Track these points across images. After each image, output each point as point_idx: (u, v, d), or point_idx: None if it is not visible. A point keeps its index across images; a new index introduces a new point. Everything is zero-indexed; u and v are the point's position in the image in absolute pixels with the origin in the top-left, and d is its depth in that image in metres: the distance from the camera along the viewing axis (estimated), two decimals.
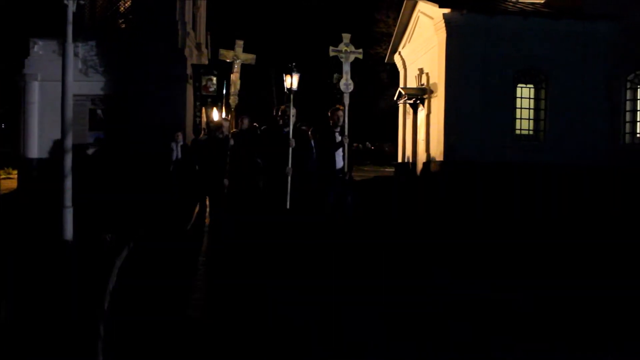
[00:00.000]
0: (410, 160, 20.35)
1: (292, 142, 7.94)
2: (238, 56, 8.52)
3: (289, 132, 8.04)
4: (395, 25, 22.90)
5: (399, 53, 22.28)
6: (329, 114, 8.19)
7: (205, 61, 18.09)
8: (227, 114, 11.27)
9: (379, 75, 33.83)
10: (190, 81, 14.28)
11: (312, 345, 4.33)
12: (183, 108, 14.36)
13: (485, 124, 16.74)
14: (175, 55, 14.90)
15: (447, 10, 16.68)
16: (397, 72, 23.27)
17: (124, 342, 4.28)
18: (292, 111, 8.06)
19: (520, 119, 17.40)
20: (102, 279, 5.47)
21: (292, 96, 8.36)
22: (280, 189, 7.93)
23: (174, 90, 14.45)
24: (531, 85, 17.48)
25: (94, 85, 15.03)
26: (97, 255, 6.48)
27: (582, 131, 17.00)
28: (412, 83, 20.85)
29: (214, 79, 8.65)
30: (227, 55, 8.51)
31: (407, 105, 20.46)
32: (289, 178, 7.91)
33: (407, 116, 21.13)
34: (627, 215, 11.52)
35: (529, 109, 17.48)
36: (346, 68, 8.49)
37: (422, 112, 19.28)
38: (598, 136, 17.18)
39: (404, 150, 21.59)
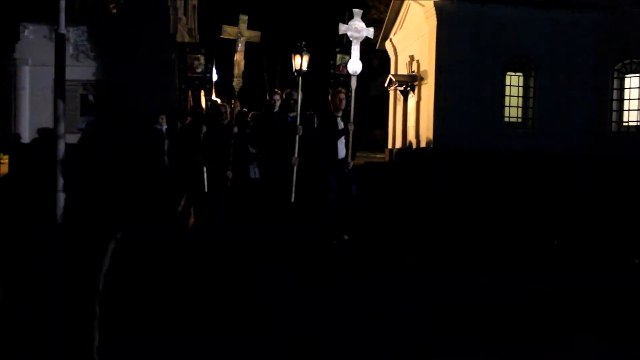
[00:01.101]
0: (401, 147, 20.50)
1: (300, 130, 7.35)
2: (242, 33, 7.83)
3: (295, 118, 7.50)
4: (387, 12, 22.93)
5: (390, 40, 22.34)
6: (330, 97, 7.54)
7: None
8: (228, 98, 10.65)
9: (371, 62, 33.84)
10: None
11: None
12: (174, 94, 14.45)
13: (475, 111, 16.91)
14: (167, 40, 14.95)
15: None
16: (388, 59, 23.34)
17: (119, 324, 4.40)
18: (300, 95, 7.49)
19: (509, 106, 17.59)
20: (96, 261, 5.56)
21: (300, 78, 7.61)
22: (280, 180, 7.40)
23: (166, 75, 14.52)
24: (520, 74, 17.64)
25: (85, 70, 15.05)
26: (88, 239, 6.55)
27: (570, 119, 17.22)
28: (402, 70, 20.95)
29: (202, 58, 7.86)
30: (230, 32, 7.79)
31: (398, 92, 20.57)
32: (295, 169, 7.35)
33: (397, 103, 21.24)
34: (609, 201, 11.73)
35: (518, 96, 17.66)
36: (355, 47, 7.64)
37: (412, 99, 19.41)
38: (586, 124, 17.40)
39: (394, 137, 21.72)
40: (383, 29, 22.83)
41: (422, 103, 18.36)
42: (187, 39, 16.95)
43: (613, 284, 5.87)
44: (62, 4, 7.47)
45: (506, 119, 17.54)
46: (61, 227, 6.85)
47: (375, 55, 30.43)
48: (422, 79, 18.40)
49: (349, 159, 7.34)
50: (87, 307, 4.25)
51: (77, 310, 4.25)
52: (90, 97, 15.30)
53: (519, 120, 17.73)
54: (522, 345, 4.31)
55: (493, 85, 17.17)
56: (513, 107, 17.62)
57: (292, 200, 7.34)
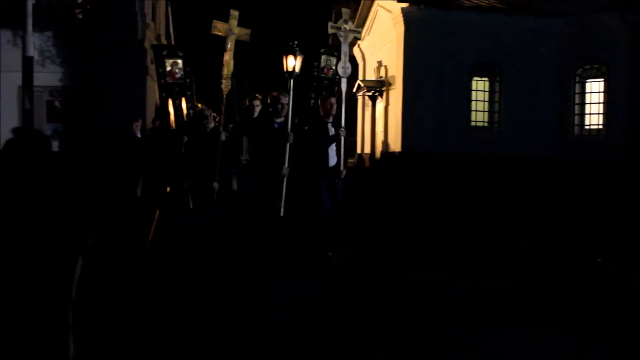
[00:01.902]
0: (369, 152, 20.67)
1: (291, 138, 6.74)
2: (232, 30, 7.21)
3: (283, 124, 6.87)
4: (354, 18, 23.11)
5: (358, 45, 22.51)
6: (319, 102, 7.18)
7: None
8: (212, 105, 9.68)
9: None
10: (152, 66, 14.11)
11: None
12: (143, 101, 14.30)
13: (442, 115, 17.19)
14: (135, 46, 14.80)
15: (405, 5, 16.99)
16: (357, 64, 23.52)
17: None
18: (290, 99, 6.86)
19: (476, 111, 17.93)
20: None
21: (291, 81, 6.96)
22: (268, 192, 6.74)
23: (134, 82, 14.36)
24: (486, 79, 18.00)
25: (51, 76, 14.77)
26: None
27: (534, 123, 17.62)
28: (371, 75, 21.13)
29: (180, 62, 7.30)
30: (220, 28, 7.15)
31: (366, 97, 20.75)
32: (285, 180, 6.74)
33: (366, 108, 21.42)
34: (571, 202, 12.03)
35: (484, 101, 18.00)
36: (344, 48, 7.41)
37: (380, 104, 19.60)
38: (549, 128, 17.84)
39: (362, 142, 21.90)
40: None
41: (390, 108, 18.57)
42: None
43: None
44: (29, 8, 7.37)
45: (473, 123, 17.88)
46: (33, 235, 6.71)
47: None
48: (390, 84, 18.61)
49: (342, 167, 7.04)
50: (60, 317, 4.21)
51: (51, 320, 4.20)
52: (57, 104, 15.06)
53: (485, 124, 18.08)
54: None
55: (460, 90, 17.48)
56: (480, 111, 17.96)
57: (282, 214, 6.72)
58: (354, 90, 21.72)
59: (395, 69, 17.95)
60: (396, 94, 17.94)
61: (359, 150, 22.30)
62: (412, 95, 17.25)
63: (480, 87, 17.94)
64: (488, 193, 13.26)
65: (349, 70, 7.43)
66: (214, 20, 7.23)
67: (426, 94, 17.17)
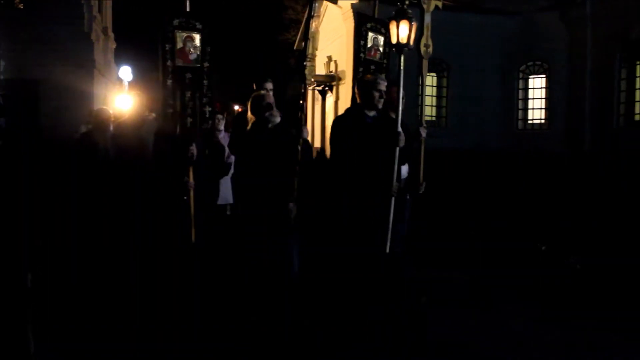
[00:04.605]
0: (320, 146, 20.81)
1: (402, 139, 4.72)
2: None
3: (376, 119, 4.88)
4: (304, 13, 23.17)
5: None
6: (367, 87, 4.84)
7: (112, 45, 17.55)
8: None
9: (288, 61, 34.01)
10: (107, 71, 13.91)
11: None
12: (90, 96, 14.00)
13: None
14: (81, 39, 14.48)
15: (355, 1, 17.16)
16: None
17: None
18: (385, 84, 4.96)
19: (424, 105, 18.25)
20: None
21: (402, 58, 5.05)
22: (367, 219, 4.52)
23: (81, 76, 14.04)
24: (434, 74, 18.38)
25: None
26: None
27: (480, 118, 18.13)
28: (320, 70, 21.25)
29: (197, 38, 5.08)
30: None
31: (316, 92, 20.88)
32: (392, 202, 4.61)
33: (315, 102, 21.55)
34: (515, 194, 12.42)
35: (432, 96, 18.40)
36: (427, 19, 5.51)
37: (330, 99, 19.76)
38: (494, 122, 18.39)
39: (312, 136, 22.00)
40: (301, 29, 23.06)
41: (340, 103, 18.75)
42: (102, 37, 16.48)
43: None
44: None
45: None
46: None
47: (293, 55, 30.64)
48: (340, 79, 18.79)
49: (421, 179, 5.14)
50: (18, 311, 4.15)
51: (9, 315, 4.14)
52: None
53: (433, 119, 18.48)
54: None
55: (408, 85, 17.74)
56: (428, 106, 18.33)
57: (387, 249, 4.56)
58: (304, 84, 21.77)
59: (345, 64, 18.12)
60: (346, 89, 18.10)
61: None
62: None
63: (428, 82, 18.30)
64: (436, 186, 13.47)
65: (430, 50, 5.50)
66: None
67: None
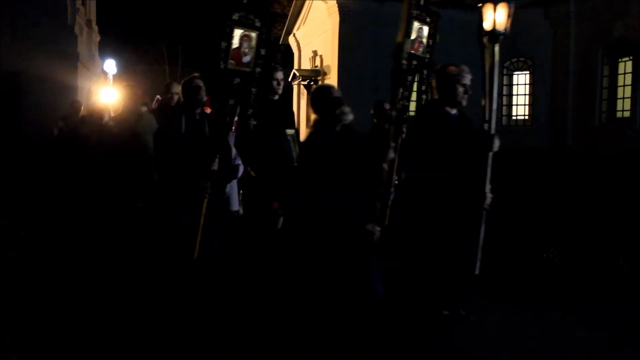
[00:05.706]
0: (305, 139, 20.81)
1: (497, 142, 4.24)
2: None
3: (459, 117, 4.37)
4: (289, 7, 23.14)
5: (294, 35, 22.57)
6: (449, 80, 4.23)
7: (96, 38, 17.31)
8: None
9: (274, 56, 33.95)
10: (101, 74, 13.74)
11: None
12: (74, 89, 13.83)
13: None
14: (65, 32, 14.32)
15: None
16: (292, 53, 23.56)
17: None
18: (469, 78, 4.46)
19: (409, 101, 18.33)
20: None
21: (497, 47, 4.47)
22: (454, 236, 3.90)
23: (63, 70, 13.87)
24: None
25: None
26: None
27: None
28: (306, 64, 21.25)
29: (254, 37, 4.24)
30: None
31: (302, 86, 20.87)
32: (484, 214, 4.10)
33: (301, 97, 21.55)
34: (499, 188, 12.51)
35: (416, 91, 18.43)
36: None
37: None
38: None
39: (298, 131, 21.99)
40: (286, 24, 23.03)
41: None
42: (85, 30, 16.32)
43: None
44: None
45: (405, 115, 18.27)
46: None
47: (279, 50, 30.59)
48: (325, 73, 18.79)
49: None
50: None
51: None
52: None
53: None
54: None
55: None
56: (412, 102, 18.34)
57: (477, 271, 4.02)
58: (289, 79, 21.80)
59: (331, 59, 18.13)
60: (331, 84, 18.11)
61: None
62: (347, 85, 17.45)
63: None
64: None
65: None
66: None
67: (361, 84, 17.42)
